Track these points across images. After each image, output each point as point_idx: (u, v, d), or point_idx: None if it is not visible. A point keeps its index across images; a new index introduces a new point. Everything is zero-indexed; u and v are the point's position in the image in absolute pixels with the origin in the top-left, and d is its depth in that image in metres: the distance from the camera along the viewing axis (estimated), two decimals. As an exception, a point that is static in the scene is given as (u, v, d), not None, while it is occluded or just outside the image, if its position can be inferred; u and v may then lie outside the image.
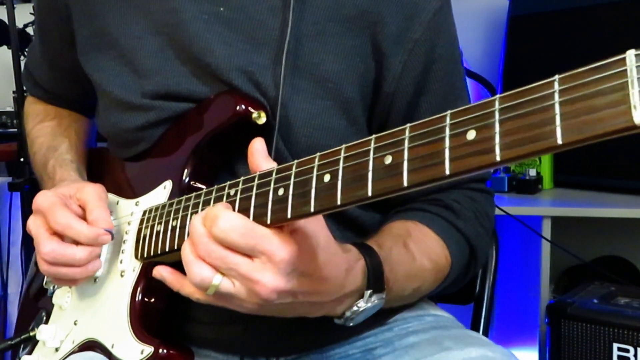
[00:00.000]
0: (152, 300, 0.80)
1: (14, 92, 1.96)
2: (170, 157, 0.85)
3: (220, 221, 0.61)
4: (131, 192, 0.89)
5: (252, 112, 0.79)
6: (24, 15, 2.18)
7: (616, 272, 1.85)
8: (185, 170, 0.82)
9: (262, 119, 0.79)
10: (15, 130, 2.03)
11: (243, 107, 0.79)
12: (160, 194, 0.83)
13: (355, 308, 0.69)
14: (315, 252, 0.62)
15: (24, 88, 1.13)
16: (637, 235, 1.99)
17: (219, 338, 0.86)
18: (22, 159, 1.92)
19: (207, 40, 0.82)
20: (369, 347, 0.86)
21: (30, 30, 2.22)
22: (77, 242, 0.79)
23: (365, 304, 0.69)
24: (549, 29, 1.96)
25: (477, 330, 1.13)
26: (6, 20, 1.93)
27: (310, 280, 0.63)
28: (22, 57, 2.06)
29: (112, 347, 0.79)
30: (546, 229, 1.69)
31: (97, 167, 1.00)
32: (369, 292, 0.69)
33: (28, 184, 1.92)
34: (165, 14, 0.85)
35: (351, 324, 0.70)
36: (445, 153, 0.49)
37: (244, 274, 0.61)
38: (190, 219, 0.71)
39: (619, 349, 1.44)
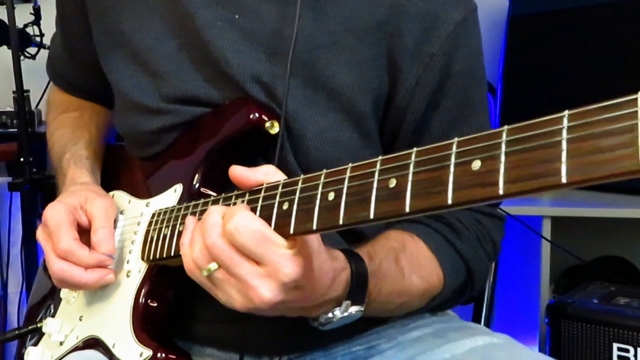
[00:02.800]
0: (155, 303, 0.80)
1: (14, 92, 1.96)
2: (182, 161, 0.85)
3: (236, 218, 0.61)
4: (143, 192, 0.89)
5: (265, 121, 0.78)
6: (24, 15, 2.18)
7: (616, 272, 1.85)
8: (196, 176, 0.82)
9: (275, 129, 0.78)
10: (15, 130, 2.03)
11: (257, 115, 0.79)
12: (171, 196, 0.84)
13: (330, 315, 0.68)
14: (311, 260, 0.62)
15: (48, 76, 1.13)
16: (637, 235, 1.99)
17: (222, 336, 0.86)
18: (22, 159, 1.92)
19: (221, 49, 0.81)
20: (373, 344, 0.86)
21: (30, 30, 2.22)
22: None
23: (341, 314, 0.68)
24: (549, 29, 1.96)
25: (478, 321, 1.13)
26: (6, 20, 1.93)
27: (302, 290, 0.63)
28: (22, 57, 2.06)
29: (114, 346, 0.79)
30: (546, 229, 1.69)
31: (114, 164, 1.00)
32: (347, 302, 0.68)
33: (28, 184, 1.92)
34: (180, 18, 0.84)
35: (324, 329, 0.70)
36: (449, 181, 0.48)
37: (243, 277, 0.61)
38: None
39: (619, 349, 1.44)
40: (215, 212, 0.64)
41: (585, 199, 1.79)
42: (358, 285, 0.69)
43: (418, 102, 0.81)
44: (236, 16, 0.81)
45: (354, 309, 0.69)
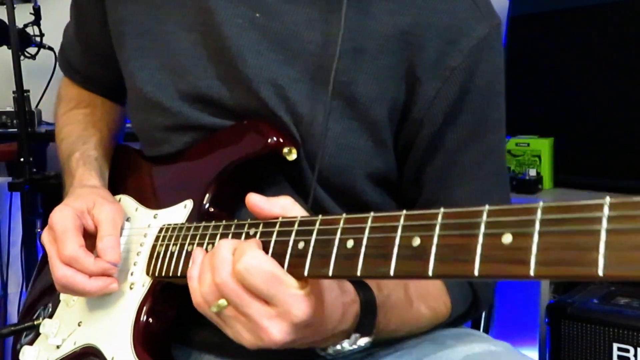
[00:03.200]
0: (157, 321, 0.79)
1: (14, 92, 1.96)
2: (194, 176, 0.83)
3: (246, 258, 0.59)
4: (151, 201, 0.88)
5: (283, 147, 0.77)
6: (24, 15, 2.18)
7: (616, 272, 1.84)
8: (207, 194, 0.80)
9: (293, 156, 0.77)
10: (15, 130, 2.03)
11: (274, 139, 0.77)
12: (180, 212, 0.82)
13: (339, 347, 0.68)
14: (323, 298, 0.61)
15: (60, 66, 1.11)
16: (637, 235, 1.99)
17: (221, 342, 0.84)
18: (22, 159, 1.92)
19: (239, 47, 0.79)
20: (370, 350, 0.85)
21: (30, 30, 2.22)
22: None
23: (350, 346, 0.68)
24: (549, 29, 1.96)
25: (478, 330, 1.13)
26: (6, 20, 1.93)
27: (312, 328, 0.62)
28: (22, 57, 2.06)
29: (112, 359, 0.79)
30: (546, 229, 1.69)
31: (121, 166, 0.98)
32: (356, 335, 0.68)
33: (28, 184, 1.92)
34: (200, 12, 0.82)
35: (330, 358, 0.69)
36: (477, 251, 0.46)
37: (253, 317, 0.60)
38: (206, 249, 0.70)
39: (619, 349, 1.43)
40: (225, 248, 0.62)
41: (585, 199, 1.79)
42: (367, 318, 0.68)
43: (435, 115, 0.79)
44: (257, 15, 0.80)
45: (362, 341, 0.68)
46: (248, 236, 0.66)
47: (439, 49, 0.77)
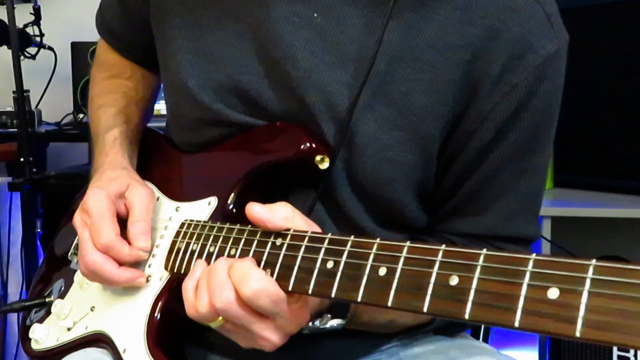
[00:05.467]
0: (172, 318, 0.78)
1: (14, 92, 1.96)
2: (221, 173, 0.81)
3: (252, 282, 0.61)
4: (174, 191, 0.86)
5: (316, 155, 0.75)
6: (24, 15, 2.18)
7: (616, 272, 1.84)
8: (232, 194, 0.78)
9: (325, 165, 0.75)
10: (15, 130, 2.03)
11: (308, 145, 0.75)
12: (203, 208, 0.80)
13: (310, 325, 0.70)
14: (309, 301, 0.65)
15: (97, 26, 1.05)
16: (637, 235, 1.99)
17: (225, 344, 0.84)
18: (22, 159, 1.92)
19: (292, 47, 0.75)
20: (375, 359, 0.85)
21: (30, 30, 2.22)
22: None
23: (322, 325, 0.70)
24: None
25: (478, 330, 1.13)
26: (6, 20, 1.93)
27: (302, 325, 0.67)
28: (22, 57, 2.06)
29: (124, 352, 0.78)
30: (546, 229, 1.69)
31: (147, 151, 0.96)
32: (328, 316, 0.70)
33: (28, 184, 1.92)
34: (252, 3, 0.78)
35: (305, 333, 0.71)
36: (519, 301, 0.45)
37: (254, 332, 0.63)
38: (228, 253, 0.70)
39: (619, 349, 1.43)
40: (221, 269, 0.64)
41: (585, 199, 1.79)
42: (339, 303, 0.70)
43: (486, 130, 0.75)
44: (315, 14, 0.76)
45: (335, 322, 0.71)
46: (274, 246, 0.65)
47: (503, 63, 0.73)
